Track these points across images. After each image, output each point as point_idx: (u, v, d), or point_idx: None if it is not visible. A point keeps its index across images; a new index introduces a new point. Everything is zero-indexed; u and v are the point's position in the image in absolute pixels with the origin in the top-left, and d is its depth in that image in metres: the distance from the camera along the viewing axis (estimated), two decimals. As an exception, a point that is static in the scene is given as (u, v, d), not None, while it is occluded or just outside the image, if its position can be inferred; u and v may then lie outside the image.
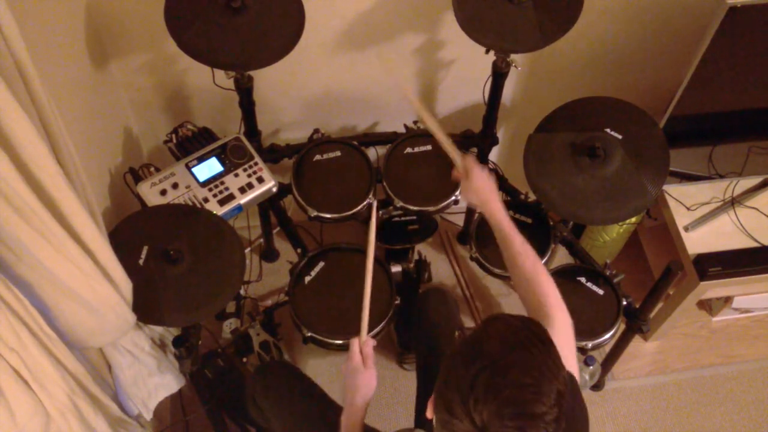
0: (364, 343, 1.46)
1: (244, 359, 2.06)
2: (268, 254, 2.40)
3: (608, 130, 1.65)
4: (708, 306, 2.33)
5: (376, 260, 1.75)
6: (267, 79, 1.82)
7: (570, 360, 1.22)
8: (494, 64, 1.72)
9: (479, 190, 1.51)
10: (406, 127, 1.93)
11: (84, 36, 1.58)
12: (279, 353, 2.10)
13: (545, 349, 0.96)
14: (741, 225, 1.92)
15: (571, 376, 1.17)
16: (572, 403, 1.11)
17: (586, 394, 1.97)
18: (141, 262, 1.42)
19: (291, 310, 1.69)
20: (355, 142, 1.84)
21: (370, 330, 1.64)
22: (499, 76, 1.74)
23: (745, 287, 2.04)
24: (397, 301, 1.70)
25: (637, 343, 2.23)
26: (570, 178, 1.61)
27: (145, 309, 1.35)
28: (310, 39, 1.60)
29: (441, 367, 1.00)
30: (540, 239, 1.80)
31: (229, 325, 2.12)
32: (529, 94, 2.05)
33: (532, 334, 0.97)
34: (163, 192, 1.62)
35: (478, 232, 1.84)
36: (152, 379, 1.55)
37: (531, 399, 0.91)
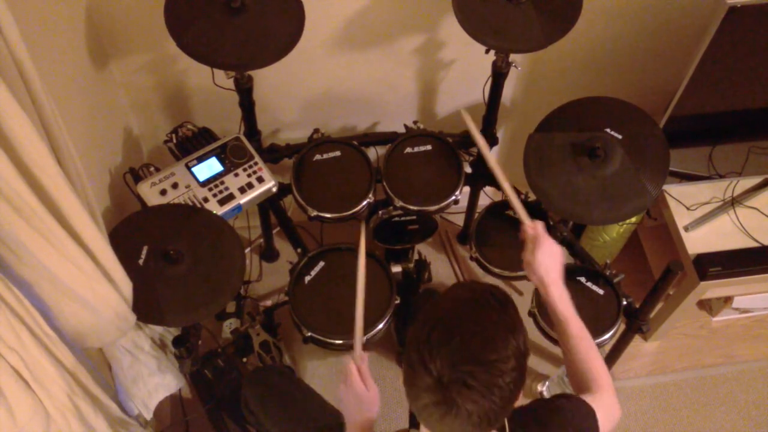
0: (359, 358, 1.34)
1: (244, 359, 2.07)
2: (268, 254, 2.40)
3: (608, 130, 1.65)
4: (708, 306, 2.33)
5: (376, 259, 1.75)
6: (267, 79, 1.82)
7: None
8: (494, 64, 1.72)
9: (543, 268, 1.32)
10: (406, 127, 1.92)
11: (84, 36, 1.58)
12: (279, 353, 2.10)
13: (501, 308, 0.99)
14: (741, 225, 1.92)
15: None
16: None
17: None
18: (141, 262, 1.42)
19: (291, 310, 1.69)
20: (355, 142, 1.84)
21: (370, 329, 1.64)
22: (499, 76, 1.74)
23: (745, 287, 2.04)
24: (397, 301, 1.70)
25: (637, 343, 2.23)
26: (570, 178, 1.61)
27: (145, 309, 1.35)
28: (310, 39, 1.60)
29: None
30: (540, 239, 1.79)
31: (229, 325, 2.12)
32: (529, 94, 2.05)
33: (489, 294, 1.00)
34: (163, 192, 1.63)
35: (478, 232, 1.83)
36: (152, 379, 1.55)
37: (481, 345, 0.94)
